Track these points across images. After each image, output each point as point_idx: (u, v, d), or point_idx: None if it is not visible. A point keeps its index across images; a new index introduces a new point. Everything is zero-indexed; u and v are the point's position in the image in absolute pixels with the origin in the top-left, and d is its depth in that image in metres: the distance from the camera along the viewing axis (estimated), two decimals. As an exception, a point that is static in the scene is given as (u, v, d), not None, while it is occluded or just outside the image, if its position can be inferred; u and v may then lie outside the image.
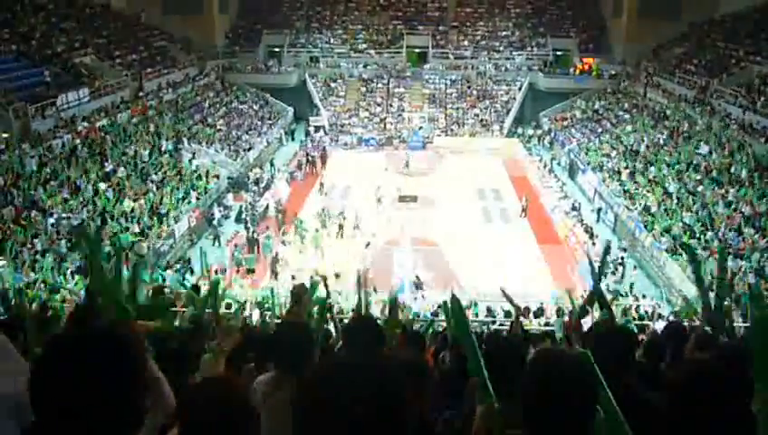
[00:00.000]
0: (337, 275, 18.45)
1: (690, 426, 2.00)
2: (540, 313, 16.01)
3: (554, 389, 1.81)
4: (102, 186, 22.57)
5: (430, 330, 9.49)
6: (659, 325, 14.20)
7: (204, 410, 1.90)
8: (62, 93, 26.30)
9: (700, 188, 23.90)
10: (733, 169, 24.27)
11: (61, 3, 34.99)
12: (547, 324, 13.92)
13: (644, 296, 18.72)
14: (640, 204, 24.89)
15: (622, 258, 21.73)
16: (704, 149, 26.83)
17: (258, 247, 23.16)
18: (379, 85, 43.91)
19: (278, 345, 3.36)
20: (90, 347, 1.41)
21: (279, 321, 7.34)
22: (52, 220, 19.36)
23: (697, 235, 21.06)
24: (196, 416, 1.91)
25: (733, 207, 21.95)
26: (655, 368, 4.08)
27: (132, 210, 22.14)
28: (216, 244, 23.97)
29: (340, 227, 24.54)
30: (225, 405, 1.90)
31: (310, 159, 34.35)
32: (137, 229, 21.16)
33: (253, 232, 23.97)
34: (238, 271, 21.12)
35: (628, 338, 3.25)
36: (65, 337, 1.51)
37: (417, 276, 20.63)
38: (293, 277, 19.17)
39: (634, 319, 16.17)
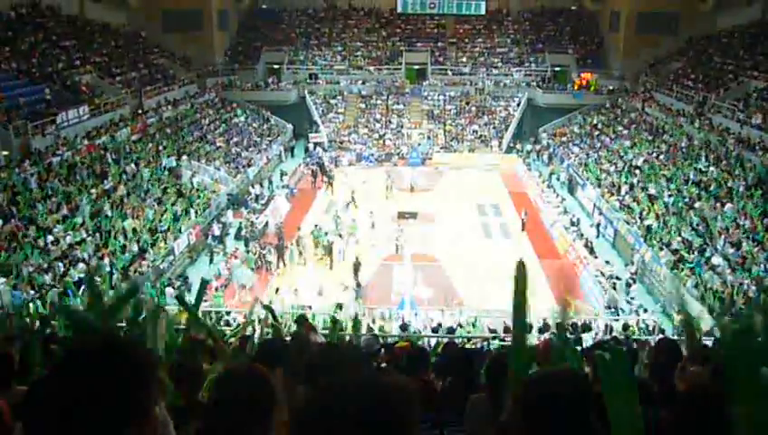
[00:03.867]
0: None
1: None
2: (545, 328, 15.94)
3: (552, 409, 1.81)
4: (104, 205, 22.60)
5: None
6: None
7: (235, 390, 2.12)
8: (62, 111, 26.37)
9: (698, 204, 23.94)
10: (731, 184, 24.31)
11: (61, 21, 35.22)
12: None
13: (645, 310, 18.66)
14: (639, 219, 24.93)
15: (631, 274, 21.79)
16: (704, 163, 26.91)
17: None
18: (378, 102, 44.09)
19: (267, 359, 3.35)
20: (102, 359, 1.40)
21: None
22: (51, 238, 19.35)
23: (696, 249, 21.08)
24: (227, 395, 2.13)
25: (731, 221, 21.96)
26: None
27: (134, 230, 22.15)
28: (211, 262, 23.87)
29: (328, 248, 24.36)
30: (254, 387, 2.12)
31: (313, 173, 34.48)
32: (135, 248, 21.13)
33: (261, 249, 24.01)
34: (217, 289, 20.92)
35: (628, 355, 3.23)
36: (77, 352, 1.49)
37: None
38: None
39: (634, 333, 16.16)
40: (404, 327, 15.84)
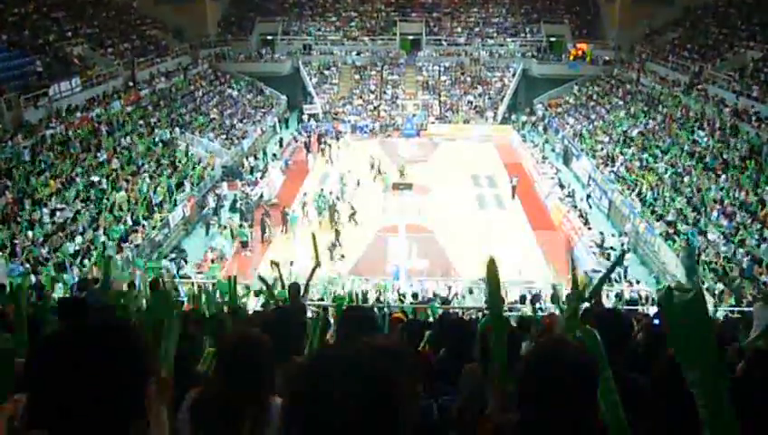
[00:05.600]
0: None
1: (674, 409, 2.04)
2: (536, 299, 16.08)
3: (556, 378, 1.84)
4: (95, 177, 22.54)
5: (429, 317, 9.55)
6: (652, 310, 14.33)
7: (239, 347, 2.59)
8: (55, 83, 26.15)
9: (693, 175, 23.97)
10: (726, 155, 24.33)
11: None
12: (541, 310, 13.96)
13: (638, 282, 18.80)
14: (635, 190, 24.98)
15: (622, 245, 21.87)
16: (699, 134, 26.90)
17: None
18: (373, 72, 43.80)
19: (267, 333, 3.40)
20: (92, 339, 1.42)
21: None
22: (46, 211, 19.34)
23: (690, 220, 21.18)
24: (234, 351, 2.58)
25: (725, 192, 22.02)
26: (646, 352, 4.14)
27: (128, 202, 22.12)
28: (206, 234, 23.92)
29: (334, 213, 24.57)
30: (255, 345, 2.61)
31: (306, 145, 34.49)
32: (130, 220, 21.13)
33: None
34: (213, 260, 21.00)
35: (624, 322, 3.30)
36: (65, 331, 1.50)
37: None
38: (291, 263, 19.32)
39: (628, 302, 16.31)
40: (401, 298, 15.95)
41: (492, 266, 2.53)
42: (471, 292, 17.65)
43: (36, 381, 1.38)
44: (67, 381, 1.34)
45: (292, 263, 19.87)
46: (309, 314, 8.61)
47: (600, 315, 3.53)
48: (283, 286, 8.48)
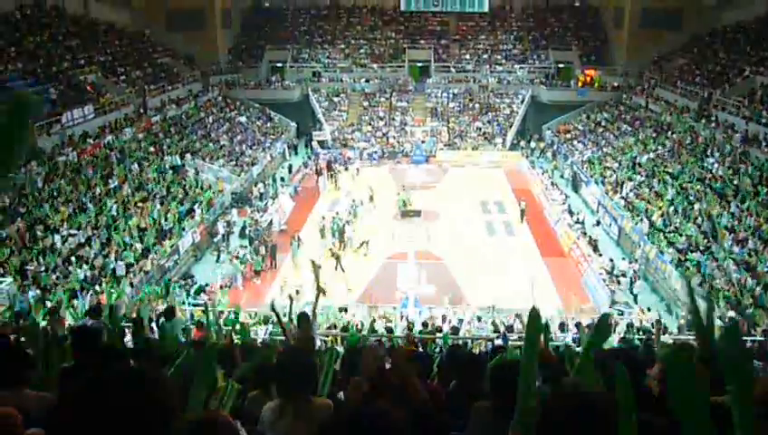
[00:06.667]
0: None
1: None
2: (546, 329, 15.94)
3: (576, 429, 1.81)
4: (108, 203, 22.70)
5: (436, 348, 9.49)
6: (665, 339, 14.21)
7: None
8: (68, 111, 26.48)
9: (703, 201, 23.84)
10: (736, 181, 24.22)
11: (65, 21, 35.27)
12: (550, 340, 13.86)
13: (648, 310, 18.65)
14: (644, 217, 24.88)
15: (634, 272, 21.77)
16: (709, 160, 26.83)
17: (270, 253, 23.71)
18: (382, 99, 44.10)
19: (281, 373, 3.39)
20: (118, 394, 1.41)
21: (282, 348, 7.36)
22: (58, 237, 19.46)
23: (701, 247, 21.04)
24: None
25: (737, 218, 21.88)
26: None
27: (139, 228, 22.26)
28: (217, 261, 23.95)
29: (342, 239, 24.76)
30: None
31: (317, 171, 34.70)
32: (140, 247, 21.24)
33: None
34: (222, 287, 21.03)
35: (636, 362, 3.26)
36: (91, 384, 1.49)
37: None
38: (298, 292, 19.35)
39: (639, 331, 16.18)
40: (410, 327, 15.87)
41: (534, 320, 2.41)
42: (480, 319, 17.56)
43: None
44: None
45: (297, 291, 19.91)
46: (317, 342, 8.58)
47: (609, 356, 3.49)
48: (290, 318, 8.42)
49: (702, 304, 3.10)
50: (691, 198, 24.56)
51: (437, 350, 11.10)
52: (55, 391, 3.56)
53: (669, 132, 32.10)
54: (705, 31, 40.92)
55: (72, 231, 20.17)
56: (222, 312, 17.11)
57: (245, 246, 24.36)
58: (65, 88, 28.49)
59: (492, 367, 3.69)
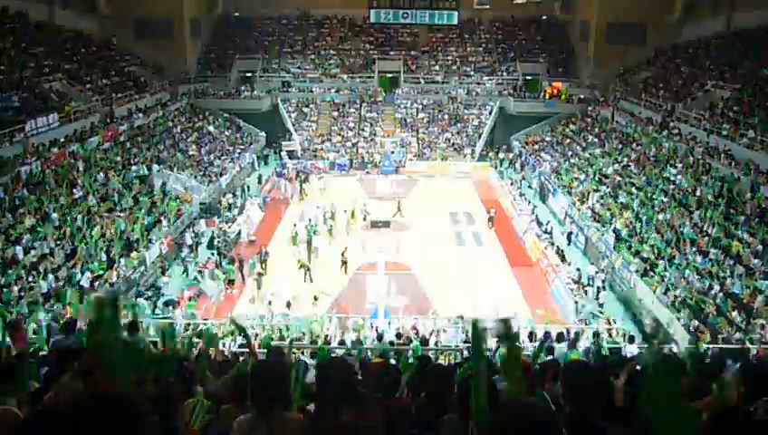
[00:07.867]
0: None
1: None
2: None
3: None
4: (73, 213, 22.31)
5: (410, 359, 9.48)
6: (631, 349, 14.42)
7: None
8: (31, 119, 25.97)
9: (667, 212, 24.30)
10: (698, 192, 24.73)
11: (29, 27, 34.65)
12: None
13: (614, 321, 18.84)
14: (609, 227, 25.27)
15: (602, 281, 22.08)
16: (672, 172, 27.37)
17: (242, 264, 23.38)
18: (352, 110, 44.17)
19: (254, 385, 3.36)
20: (93, 417, 1.40)
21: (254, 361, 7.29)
22: (19, 248, 19.06)
23: (665, 257, 21.42)
24: None
25: (699, 229, 22.32)
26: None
27: (103, 236, 21.89)
28: (185, 274, 23.60)
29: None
30: None
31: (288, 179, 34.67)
32: (104, 258, 20.87)
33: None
34: (190, 298, 20.73)
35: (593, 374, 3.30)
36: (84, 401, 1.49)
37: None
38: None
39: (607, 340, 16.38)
40: (380, 337, 15.86)
41: (476, 330, 2.52)
42: (445, 331, 17.62)
43: None
44: None
45: (270, 302, 19.79)
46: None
47: (569, 369, 3.56)
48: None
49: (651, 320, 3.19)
50: (656, 208, 25.02)
51: (409, 361, 11.10)
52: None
53: (634, 144, 32.68)
54: (668, 45, 41.86)
55: (35, 243, 19.76)
56: (190, 324, 16.95)
57: (214, 257, 24.07)
58: (29, 95, 27.96)
59: (459, 379, 3.72)
